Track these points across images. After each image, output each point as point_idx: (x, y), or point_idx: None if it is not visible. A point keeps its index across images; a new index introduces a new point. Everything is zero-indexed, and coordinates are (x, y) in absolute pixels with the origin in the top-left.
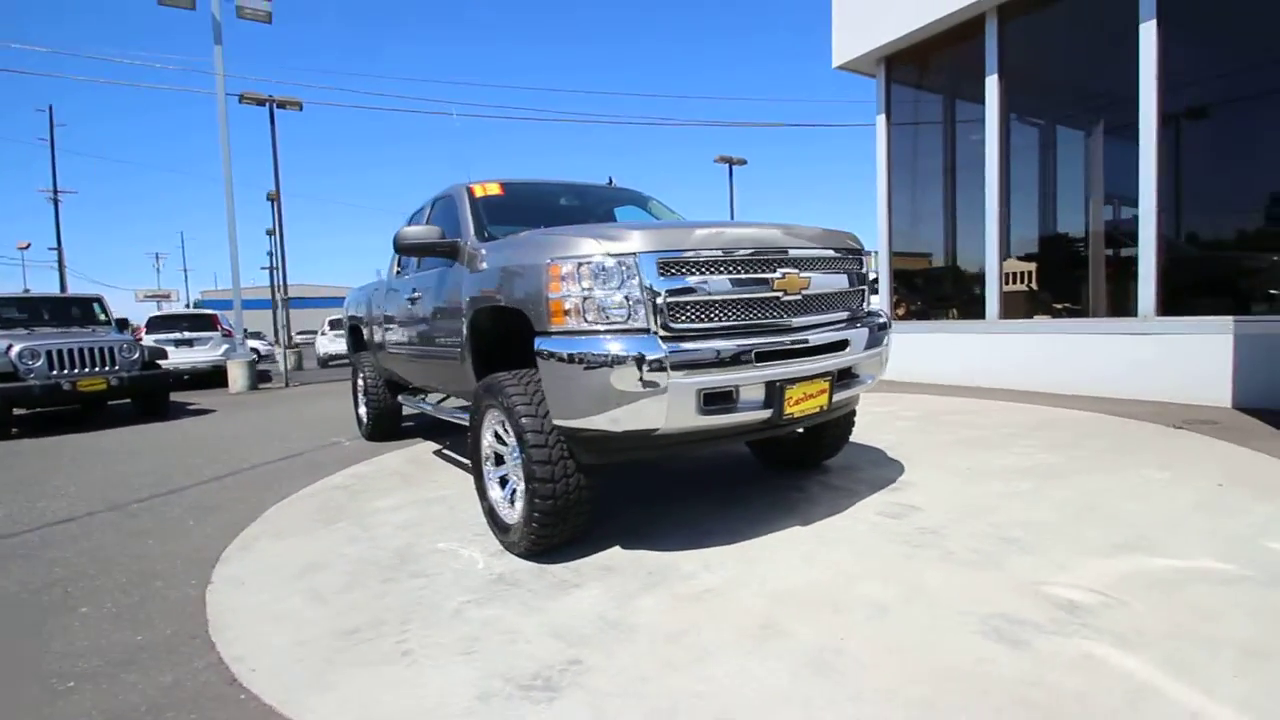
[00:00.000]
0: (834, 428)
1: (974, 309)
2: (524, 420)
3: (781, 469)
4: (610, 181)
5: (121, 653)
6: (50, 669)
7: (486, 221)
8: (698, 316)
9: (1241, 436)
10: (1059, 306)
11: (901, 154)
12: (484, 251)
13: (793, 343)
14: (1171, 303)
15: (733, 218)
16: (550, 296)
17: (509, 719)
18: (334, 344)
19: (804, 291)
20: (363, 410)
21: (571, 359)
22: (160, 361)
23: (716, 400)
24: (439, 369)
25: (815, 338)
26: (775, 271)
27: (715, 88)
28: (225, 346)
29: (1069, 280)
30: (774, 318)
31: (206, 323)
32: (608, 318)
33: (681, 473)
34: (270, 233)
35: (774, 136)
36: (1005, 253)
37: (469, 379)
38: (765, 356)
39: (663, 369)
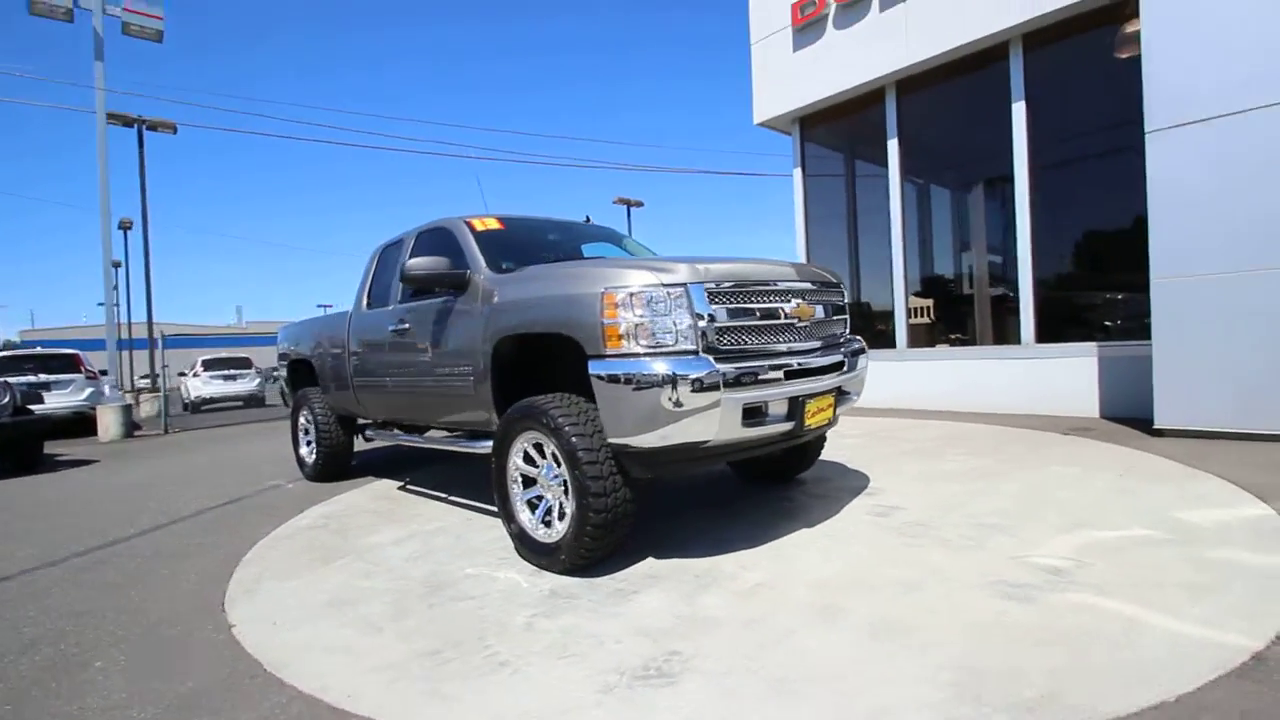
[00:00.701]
0: (815, 443)
1: (883, 340)
2: (574, 439)
3: (761, 483)
4: (588, 219)
5: (176, 699)
6: None
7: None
8: (734, 340)
9: (1116, 439)
10: (954, 337)
11: (814, 202)
12: (503, 283)
13: (809, 364)
14: (1045, 332)
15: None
16: (605, 322)
17: (641, 704)
18: (208, 387)
19: (811, 319)
20: (307, 450)
21: (630, 380)
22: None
23: (755, 414)
24: (438, 399)
25: (821, 360)
26: (790, 302)
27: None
28: (90, 390)
29: (961, 315)
30: (790, 341)
31: (67, 363)
32: (660, 342)
33: (677, 492)
34: (118, 265)
35: (682, 181)
36: (908, 291)
37: (482, 406)
38: (792, 375)
39: (716, 386)
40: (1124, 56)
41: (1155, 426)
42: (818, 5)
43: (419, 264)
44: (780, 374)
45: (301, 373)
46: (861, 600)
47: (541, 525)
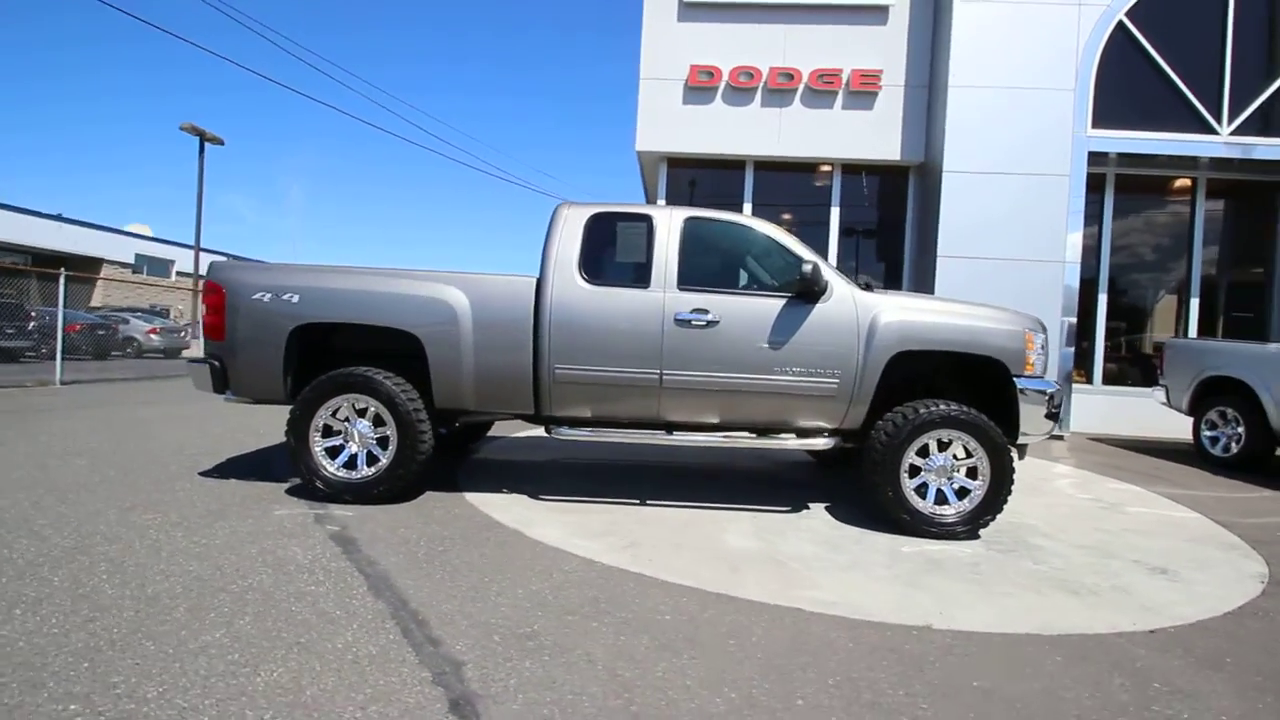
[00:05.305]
0: None
1: None
2: (1003, 438)
3: (829, 465)
4: None
5: None
6: None
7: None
8: None
9: None
10: None
11: None
12: (882, 302)
13: None
14: None
15: (201, 198)
16: (1027, 354)
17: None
18: None
19: None
20: (333, 462)
21: (1046, 394)
22: None
23: None
24: (770, 398)
25: None
26: None
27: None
28: None
29: None
30: None
31: None
32: (1043, 369)
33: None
34: None
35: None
36: None
37: (841, 408)
38: None
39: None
40: (808, 185)
41: None
42: (714, 77)
43: (817, 267)
44: None
45: (309, 345)
46: (1082, 526)
47: (935, 503)
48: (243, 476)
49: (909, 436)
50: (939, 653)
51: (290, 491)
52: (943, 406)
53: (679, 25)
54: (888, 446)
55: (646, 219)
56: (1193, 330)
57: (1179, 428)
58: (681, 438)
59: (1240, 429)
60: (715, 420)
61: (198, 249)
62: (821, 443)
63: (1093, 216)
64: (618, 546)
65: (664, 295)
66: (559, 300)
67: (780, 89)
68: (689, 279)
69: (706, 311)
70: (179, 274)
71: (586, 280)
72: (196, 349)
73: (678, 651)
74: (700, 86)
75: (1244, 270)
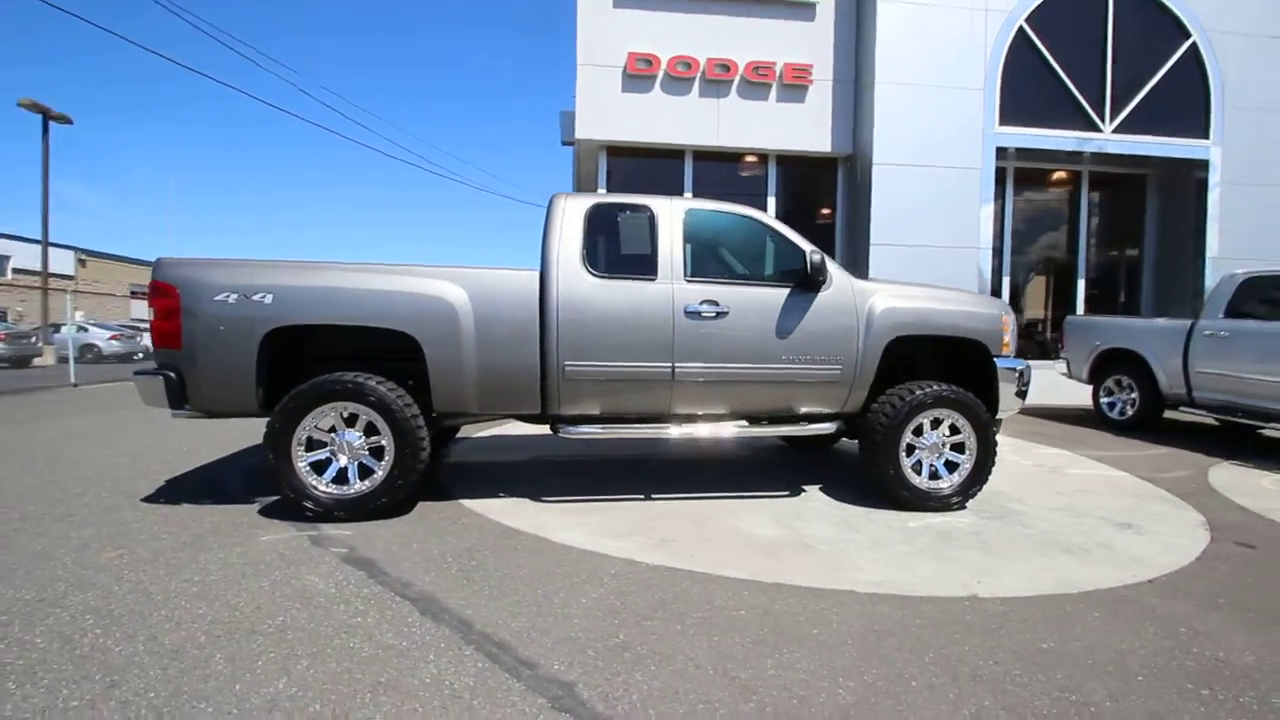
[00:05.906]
0: None
1: None
2: (986, 416)
3: (804, 449)
4: None
5: None
6: None
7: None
8: None
9: None
10: None
11: None
12: (878, 289)
13: None
14: None
15: (47, 180)
16: (1003, 336)
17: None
18: None
19: None
20: (320, 477)
21: (1018, 372)
22: None
23: None
24: (777, 386)
25: None
26: None
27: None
28: None
29: None
30: None
31: None
32: (1013, 349)
33: (822, 465)
34: None
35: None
36: None
37: (844, 392)
38: None
39: None
40: (745, 175)
41: None
42: (652, 65)
43: (823, 257)
44: None
45: (276, 350)
46: (1043, 490)
47: (929, 479)
48: (196, 500)
49: (906, 417)
50: (998, 621)
51: (264, 513)
52: (935, 387)
53: (616, 11)
54: (888, 428)
55: (647, 209)
56: (1080, 308)
57: (1076, 396)
58: (691, 429)
59: (1134, 395)
60: (724, 411)
61: (45, 243)
62: (826, 427)
63: (996, 206)
64: (649, 545)
65: (672, 287)
66: (565, 294)
67: (718, 80)
68: (695, 270)
69: (716, 303)
70: (16, 271)
71: (591, 273)
72: (50, 356)
73: (774, 646)
74: (639, 74)
75: (1122, 252)
